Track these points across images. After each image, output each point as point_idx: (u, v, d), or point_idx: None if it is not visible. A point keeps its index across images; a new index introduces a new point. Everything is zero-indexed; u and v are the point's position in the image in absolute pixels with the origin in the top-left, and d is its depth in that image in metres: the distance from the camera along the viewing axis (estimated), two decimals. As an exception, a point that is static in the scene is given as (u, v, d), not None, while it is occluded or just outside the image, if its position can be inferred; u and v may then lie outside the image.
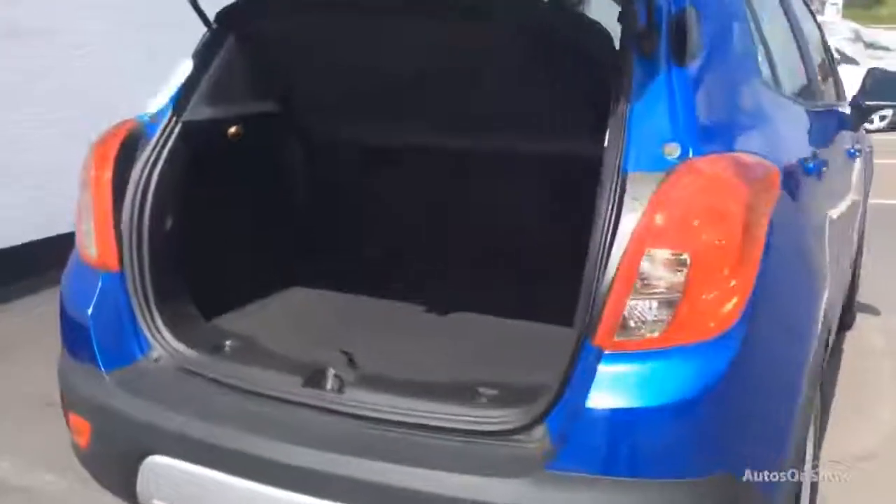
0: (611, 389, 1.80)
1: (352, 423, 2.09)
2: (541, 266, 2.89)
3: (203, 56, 2.60)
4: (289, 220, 3.16)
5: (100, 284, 2.41)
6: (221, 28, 2.61)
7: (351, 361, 2.34)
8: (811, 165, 2.59)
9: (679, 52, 2.06)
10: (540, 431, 1.93)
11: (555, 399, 1.90)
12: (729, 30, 2.42)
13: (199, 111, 2.57)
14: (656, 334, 1.80)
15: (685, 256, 1.78)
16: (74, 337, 2.44)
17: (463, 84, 2.63)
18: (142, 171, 2.45)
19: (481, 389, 2.15)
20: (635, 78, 2.02)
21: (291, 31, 2.66)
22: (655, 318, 1.80)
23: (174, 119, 2.52)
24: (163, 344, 2.39)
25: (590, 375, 1.82)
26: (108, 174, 2.45)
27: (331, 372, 2.24)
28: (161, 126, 2.50)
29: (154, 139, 2.48)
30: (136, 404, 2.25)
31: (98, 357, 2.36)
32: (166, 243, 2.48)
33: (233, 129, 2.74)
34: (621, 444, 1.81)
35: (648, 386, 1.79)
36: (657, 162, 1.91)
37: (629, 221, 1.85)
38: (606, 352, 1.82)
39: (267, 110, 2.86)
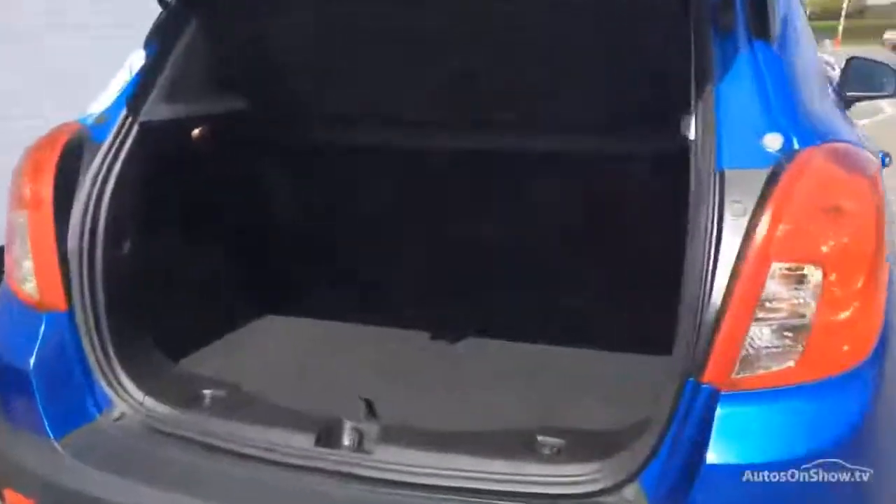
0: (735, 439, 1.44)
1: (382, 490, 1.67)
2: (584, 279, 2.49)
3: (160, 42, 2.14)
4: (265, 238, 2.71)
5: (42, 328, 1.92)
6: (181, 6, 2.15)
7: (369, 410, 1.92)
8: (883, 158, 2.30)
9: (762, 25, 1.73)
10: (632, 492, 1.56)
11: (652, 451, 1.53)
12: (795, 6, 2.12)
13: (158, 110, 2.11)
14: (783, 368, 1.45)
15: (816, 271, 1.44)
16: (11, 395, 1.94)
17: (479, 73, 2.24)
18: (91, 186, 1.97)
19: (540, 439, 1.76)
20: (716, 57, 1.68)
21: (268, 10, 2.22)
22: (783, 349, 1.45)
23: (129, 120, 2.05)
24: (125, 398, 1.92)
25: (703, 421, 1.46)
26: (48, 190, 1.96)
27: (347, 425, 1.81)
28: (113, 129, 2.03)
29: (105, 145, 2.01)
30: (96, 478, 1.78)
31: (44, 420, 1.87)
32: (124, 273, 2.02)
33: (197, 131, 2.28)
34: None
35: (782, 433, 1.44)
36: (758, 156, 1.57)
37: (735, 230, 1.50)
38: (724, 392, 1.46)
39: (238, 108, 2.40)
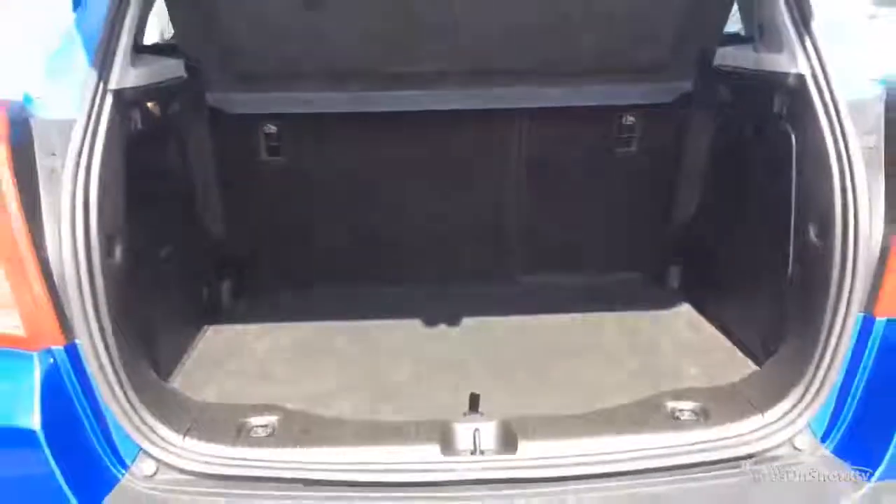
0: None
1: (548, 490, 1.46)
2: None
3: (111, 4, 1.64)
4: (253, 221, 2.32)
5: (37, 373, 1.41)
6: None
7: (473, 405, 1.66)
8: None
9: None
10: (803, 441, 1.51)
11: (817, 396, 1.50)
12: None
13: (128, 77, 1.64)
14: None
15: None
16: (10, 470, 1.40)
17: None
18: (74, 174, 1.48)
19: (670, 405, 1.64)
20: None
21: None
22: None
23: (100, 90, 1.56)
24: (160, 444, 1.49)
25: (893, 353, 1.45)
26: (12, 190, 1.44)
27: (461, 427, 1.55)
28: (85, 103, 1.53)
29: (80, 123, 1.51)
30: None
31: (69, 494, 1.38)
32: (121, 285, 1.55)
33: (151, 103, 1.82)
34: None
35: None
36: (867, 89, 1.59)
37: (870, 163, 1.51)
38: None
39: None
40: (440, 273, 2.40)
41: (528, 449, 1.49)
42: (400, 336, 2.17)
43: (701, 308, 2.27)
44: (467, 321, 2.26)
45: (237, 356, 2.09)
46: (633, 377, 1.91)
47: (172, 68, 1.90)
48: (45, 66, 1.65)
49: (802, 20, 1.66)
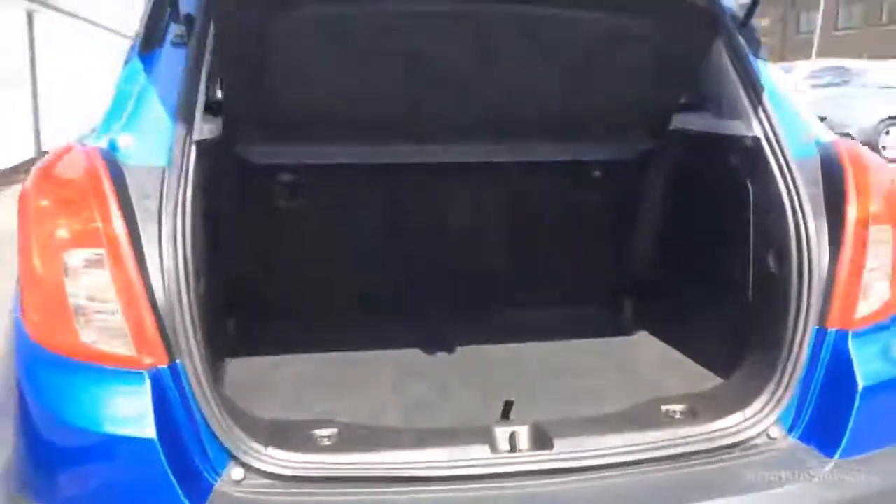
0: (873, 364, 1.85)
1: (577, 478, 1.75)
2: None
3: (192, 56, 1.88)
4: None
5: (151, 390, 1.60)
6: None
7: (506, 411, 1.94)
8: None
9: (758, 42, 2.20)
10: (776, 430, 1.87)
11: (786, 394, 1.87)
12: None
13: (206, 127, 1.88)
14: (880, 308, 1.90)
15: (890, 230, 1.92)
16: (123, 476, 1.58)
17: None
18: (174, 216, 1.69)
19: (663, 408, 1.98)
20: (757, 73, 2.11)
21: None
22: (882, 295, 1.90)
23: (186, 140, 1.78)
24: (250, 451, 1.69)
25: (843, 356, 1.84)
26: (120, 223, 1.64)
27: (504, 430, 1.83)
28: (173, 150, 1.75)
29: (172, 169, 1.73)
30: None
31: (182, 497, 1.56)
32: (205, 311, 1.76)
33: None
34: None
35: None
36: (807, 148, 2.02)
37: (817, 206, 1.93)
38: (852, 330, 1.86)
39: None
40: (437, 308, 2.67)
41: (563, 445, 1.78)
42: (406, 363, 2.44)
43: (658, 334, 2.64)
44: (462, 349, 2.54)
45: (264, 383, 2.28)
46: (622, 388, 2.23)
47: (219, 123, 2.12)
48: (125, 118, 1.85)
49: (755, 93, 2.09)
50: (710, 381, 2.22)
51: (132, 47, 2.12)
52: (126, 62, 2.12)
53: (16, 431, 1.63)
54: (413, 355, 2.51)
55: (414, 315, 2.66)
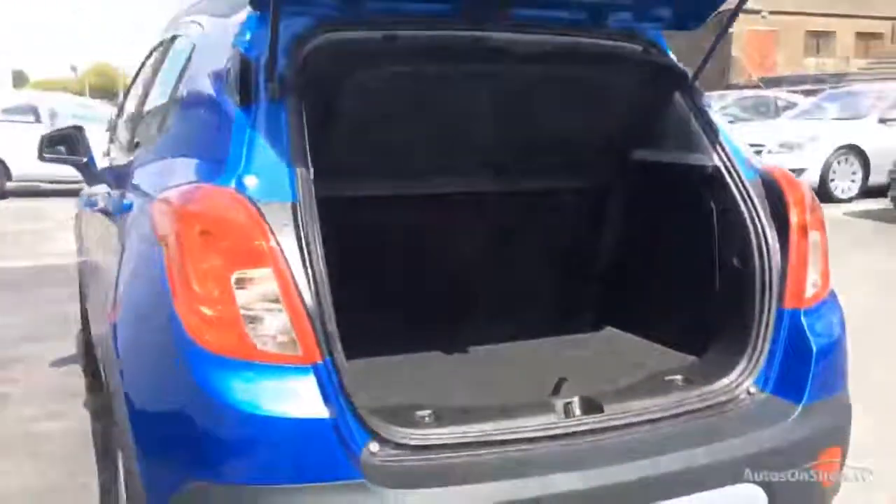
0: (820, 333, 2.50)
1: (619, 434, 2.27)
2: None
3: (295, 99, 2.26)
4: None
5: (315, 381, 1.99)
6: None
7: (557, 386, 2.44)
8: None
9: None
10: (753, 388, 2.48)
11: (759, 359, 2.48)
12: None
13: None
14: (818, 291, 2.57)
15: (817, 235, 2.60)
16: (309, 451, 1.95)
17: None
18: (311, 239, 2.08)
19: (667, 378, 2.55)
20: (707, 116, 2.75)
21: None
22: (817, 281, 2.57)
23: (307, 178, 2.17)
24: (383, 430, 2.09)
25: (798, 329, 2.48)
26: (276, 246, 2.02)
27: (563, 401, 2.33)
28: (303, 187, 2.13)
29: (303, 205, 2.11)
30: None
31: (353, 467, 1.97)
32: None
33: None
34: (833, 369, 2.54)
35: (834, 326, 2.56)
36: (751, 171, 2.69)
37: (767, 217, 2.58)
38: (803, 308, 2.51)
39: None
40: (448, 318, 3.13)
41: (610, 409, 2.31)
42: (440, 362, 2.89)
43: (626, 328, 3.24)
44: (479, 349, 3.03)
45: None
46: (621, 369, 2.78)
47: None
48: (243, 163, 2.19)
49: (711, 131, 2.73)
50: (684, 358, 2.81)
51: (219, 101, 2.42)
52: (216, 114, 2.43)
53: (198, 426, 1.96)
54: (442, 357, 2.96)
55: (434, 324, 3.10)
